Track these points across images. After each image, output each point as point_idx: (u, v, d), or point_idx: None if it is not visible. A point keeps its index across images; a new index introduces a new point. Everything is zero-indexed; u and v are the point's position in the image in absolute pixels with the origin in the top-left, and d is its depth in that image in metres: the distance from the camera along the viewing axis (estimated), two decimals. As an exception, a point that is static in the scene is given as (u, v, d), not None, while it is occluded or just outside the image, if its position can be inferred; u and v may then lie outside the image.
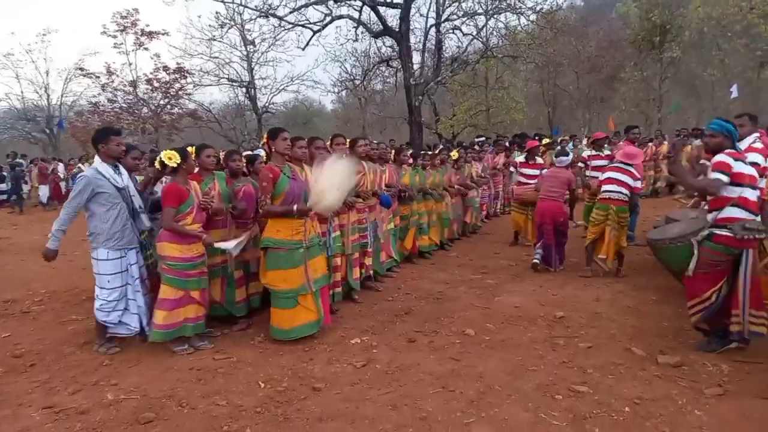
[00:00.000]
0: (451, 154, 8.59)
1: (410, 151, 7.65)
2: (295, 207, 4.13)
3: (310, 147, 4.76)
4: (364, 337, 4.43)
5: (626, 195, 6.01)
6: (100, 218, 4.09)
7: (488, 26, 17.31)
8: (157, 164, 4.28)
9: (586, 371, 3.65)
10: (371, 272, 5.96)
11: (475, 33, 17.68)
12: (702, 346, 3.94)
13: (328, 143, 5.27)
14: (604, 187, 6.10)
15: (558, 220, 6.49)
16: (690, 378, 3.50)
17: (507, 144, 12.04)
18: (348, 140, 5.55)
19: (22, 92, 26.45)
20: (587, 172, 8.06)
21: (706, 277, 3.80)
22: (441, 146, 10.72)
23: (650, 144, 13.09)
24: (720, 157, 3.75)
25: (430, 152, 8.49)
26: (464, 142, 15.95)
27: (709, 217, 3.88)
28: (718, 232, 3.74)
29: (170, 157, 4.07)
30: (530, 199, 7.44)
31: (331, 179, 4.02)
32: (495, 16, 16.93)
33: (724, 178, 3.69)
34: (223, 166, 4.98)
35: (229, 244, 4.26)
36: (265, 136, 4.47)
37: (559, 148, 9.10)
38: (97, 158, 4.19)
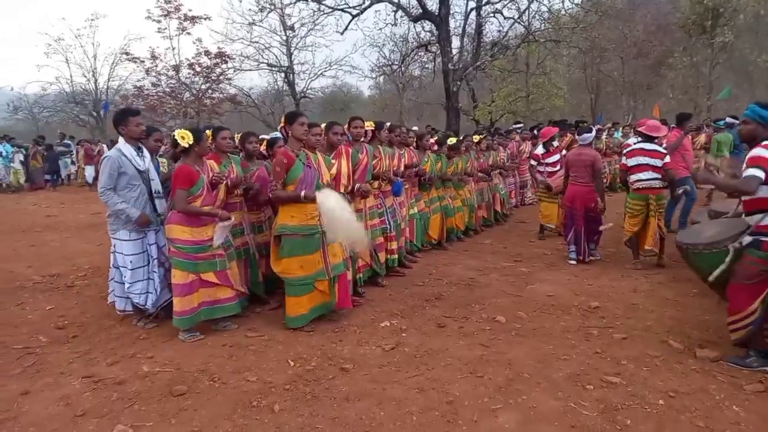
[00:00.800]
0: (474, 137, 8.45)
1: (434, 138, 7.49)
2: (302, 193, 4.07)
3: (328, 133, 4.71)
4: (393, 320, 4.43)
5: (661, 180, 5.76)
6: (122, 199, 4.12)
7: (530, 9, 16.90)
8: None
9: (619, 362, 3.56)
10: (396, 256, 5.92)
11: (516, 16, 17.29)
12: (736, 360, 3.51)
13: (346, 127, 5.20)
14: (638, 176, 5.77)
15: (588, 205, 6.18)
16: (729, 373, 3.36)
17: (535, 132, 11.80)
18: (372, 123, 5.53)
19: (71, 76, 27.38)
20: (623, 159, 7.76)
21: (750, 288, 3.34)
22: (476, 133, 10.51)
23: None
24: (756, 151, 3.30)
25: (470, 138, 8.37)
26: (502, 128, 15.67)
27: (750, 220, 3.44)
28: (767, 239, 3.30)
29: (183, 137, 3.99)
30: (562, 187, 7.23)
31: (340, 221, 4.00)
32: (537, -1, 16.52)
33: (761, 175, 3.23)
34: (239, 149, 4.99)
35: (218, 239, 4.12)
36: (282, 119, 4.41)
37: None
38: (120, 139, 4.24)
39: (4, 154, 16.37)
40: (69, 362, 3.68)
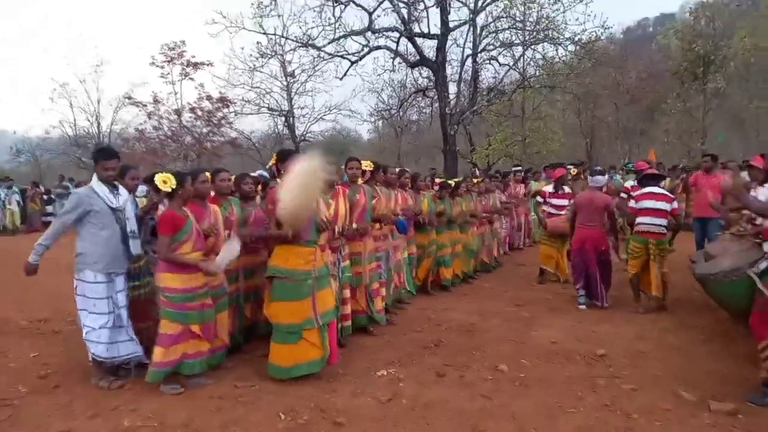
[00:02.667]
0: (474, 180, 8.41)
1: (438, 180, 7.45)
2: (290, 232, 3.83)
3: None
4: (390, 369, 4.23)
5: (663, 226, 5.73)
6: (91, 239, 3.89)
7: (525, 56, 17.23)
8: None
9: (630, 416, 3.36)
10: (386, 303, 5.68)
11: (511, 63, 17.65)
12: (756, 398, 3.48)
13: (343, 167, 5.17)
14: (639, 219, 5.83)
15: (600, 248, 6.07)
16: (747, 428, 3.18)
17: (524, 174, 11.87)
18: (371, 163, 5.47)
19: (74, 120, 27.66)
20: (631, 203, 7.72)
21: None
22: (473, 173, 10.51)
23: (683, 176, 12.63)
24: None
25: (468, 179, 8.32)
26: (500, 170, 15.73)
27: (766, 246, 3.54)
28: None
29: (165, 181, 3.79)
30: (563, 231, 7.14)
31: (295, 181, 3.68)
32: (532, 46, 16.89)
33: None
34: (234, 190, 4.90)
35: (219, 261, 3.91)
36: (274, 157, 4.27)
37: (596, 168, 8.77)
38: (94, 176, 4.02)
39: (2, 196, 16.32)
40: (47, 415, 3.46)
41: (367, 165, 5.37)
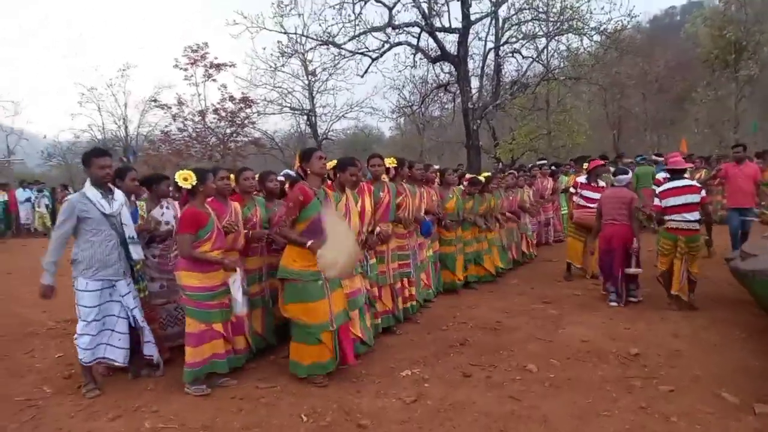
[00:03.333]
0: (480, 177, 8.13)
1: (465, 174, 7.25)
2: (309, 242, 3.76)
3: (344, 173, 4.37)
4: (415, 369, 4.12)
5: (695, 222, 5.48)
6: (83, 245, 3.78)
7: (549, 48, 16.88)
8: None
9: (669, 419, 3.19)
10: (414, 303, 5.54)
11: (535, 55, 17.30)
12: None
13: (365, 164, 5.05)
14: (668, 216, 5.59)
15: (628, 245, 5.86)
16: (797, 432, 2.98)
17: (553, 168, 11.61)
18: (394, 160, 5.33)
19: (102, 124, 28.20)
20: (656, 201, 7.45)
21: None
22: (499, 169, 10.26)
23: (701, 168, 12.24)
24: None
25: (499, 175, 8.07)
26: (526, 165, 15.46)
27: None
28: None
29: (185, 178, 3.78)
30: (590, 224, 6.89)
31: (337, 245, 3.62)
32: (556, 37, 16.52)
33: None
34: (258, 189, 4.84)
35: (236, 292, 3.84)
36: (297, 157, 4.16)
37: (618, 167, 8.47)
38: (87, 182, 3.87)
39: (32, 199, 16.70)
40: (70, 416, 3.46)
41: (390, 162, 5.25)
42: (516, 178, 8.63)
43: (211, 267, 3.81)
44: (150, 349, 4.01)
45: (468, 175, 7.40)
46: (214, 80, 24.55)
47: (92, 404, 3.63)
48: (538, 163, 12.43)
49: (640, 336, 4.80)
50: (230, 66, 24.35)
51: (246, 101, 24.54)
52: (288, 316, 3.97)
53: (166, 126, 25.39)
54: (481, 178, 7.27)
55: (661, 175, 7.71)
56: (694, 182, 5.75)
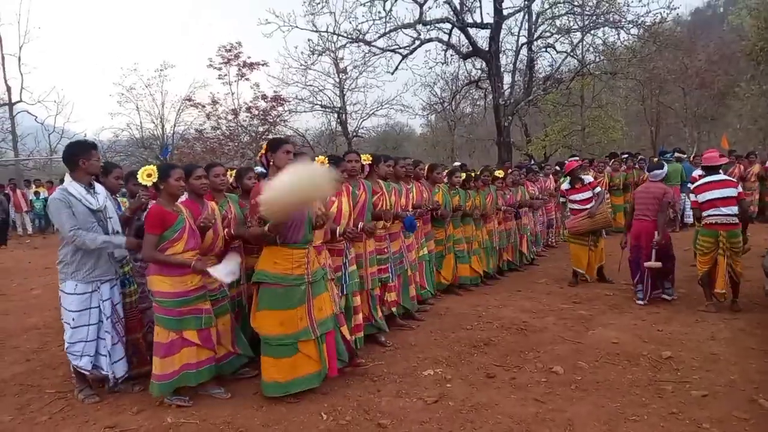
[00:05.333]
0: (496, 173, 7.74)
1: (446, 171, 6.82)
2: (267, 226, 3.37)
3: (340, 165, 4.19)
4: (437, 368, 4.07)
5: (734, 216, 5.26)
6: (72, 245, 3.54)
7: (584, 42, 16.48)
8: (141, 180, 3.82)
9: (700, 425, 3.05)
10: (393, 310, 5.15)
11: (569, 50, 16.93)
12: None
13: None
14: (708, 212, 5.36)
15: (658, 242, 5.67)
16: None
17: (558, 167, 11.23)
18: (369, 157, 5.02)
19: (140, 122, 28.95)
20: (691, 197, 7.15)
21: None
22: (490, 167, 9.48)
23: (737, 164, 11.75)
24: None
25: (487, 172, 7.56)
26: (534, 163, 15.20)
27: None
28: None
29: (149, 174, 3.63)
30: (585, 229, 6.61)
31: (290, 180, 3.18)
32: (592, 31, 16.14)
33: None
34: (235, 186, 4.60)
35: (219, 271, 3.49)
36: (263, 147, 3.78)
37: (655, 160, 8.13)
38: (67, 177, 3.63)
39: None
40: (96, 409, 3.53)
41: (365, 159, 4.94)
42: (517, 176, 8.24)
43: (183, 270, 3.51)
44: (121, 369, 3.74)
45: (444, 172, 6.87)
46: (247, 79, 24.86)
47: (117, 398, 3.70)
48: (570, 159, 12.18)
49: (674, 338, 4.63)
50: (263, 65, 24.62)
51: (278, 100, 24.80)
52: (255, 326, 3.63)
53: (200, 124, 25.91)
54: (472, 174, 7.02)
55: (696, 173, 7.41)
56: (729, 177, 5.54)
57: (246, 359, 4.02)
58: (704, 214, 5.40)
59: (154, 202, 3.78)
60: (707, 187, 5.39)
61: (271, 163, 3.66)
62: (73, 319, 3.55)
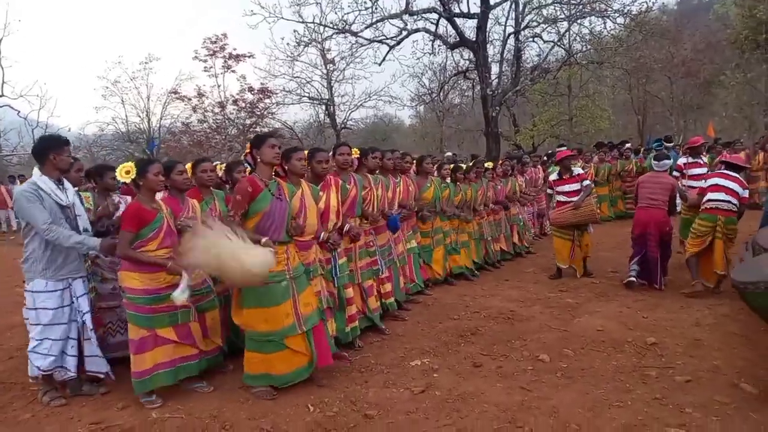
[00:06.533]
0: (486, 164, 7.66)
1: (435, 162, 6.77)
2: (263, 239, 3.35)
3: (311, 162, 4.05)
4: (425, 359, 4.08)
5: (735, 204, 5.35)
6: (39, 241, 3.41)
7: (571, 32, 16.50)
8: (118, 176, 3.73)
9: (683, 410, 3.09)
10: (388, 301, 5.16)
11: (556, 39, 16.95)
12: None
13: (330, 155, 4.62)
14: (710, 195, 5.45)
15: (664, 230, 5.76)
16: (820, 426, 2.85)
17: (545, 157, 11.24)
18: (358, 150, 4.99)
19: (126, 116, 28.61)
20: (683, 182, 7.20)
21: None
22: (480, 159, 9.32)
23: (761, 152, 11.82)
24: None
25: (481, 164, 7.56)
26: (546, 152, 15.21)
27: None
28: None
29: (127, 171, 3.57)
30: (569, 222, 6.45)
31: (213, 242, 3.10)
32: (578, 20, 16.14)
33: None
34: (225, 180, 4.53)
35: (176, 291, 3.32)
36: (248, 144, 3.72)
37: (656, 151, 8.10)
38: (35, 171, 3.49)
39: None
40: (81, 405, 3.49)
41: (354, 153, 4.88)
42: (509, 168, 8.17)
43: (155, 267, 3.46)
44: (97, 365, 3.63)
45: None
46: (233, 71, 24.66)
47: (105, 393, 3.65)
48: (557, 149, 12.22)
49: (659, 325, 4.67)
50: (249, 57, 24.42)
51: (265, 92, 24.62)
52: (239, 323, 3.57)
53: (187, 118, 25.67)
54: (462, 166, 6.98)
55: (681, 161, 7.47)
56: (742, 179, 5.59)
57: (221, 356, 3.98)
58: (707, 197, 5.47)
59: (122, 205, 3.79)
60: (717, 175, 5.54)
61: (258, 159, 3.60)
62: (49, 318, 3.43)
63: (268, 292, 3.45)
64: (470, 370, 3.86)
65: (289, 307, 3.51)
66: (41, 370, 3.45)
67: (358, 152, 5.02)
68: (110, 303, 4.03)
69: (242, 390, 3.61)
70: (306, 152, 3.96)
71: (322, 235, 4.06)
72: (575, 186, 6.49)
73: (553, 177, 6.95)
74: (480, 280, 6.76)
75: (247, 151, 3.71)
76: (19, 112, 23.58)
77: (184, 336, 3.56)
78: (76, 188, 3.90)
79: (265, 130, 25.97)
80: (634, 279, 5.87)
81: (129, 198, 4.15)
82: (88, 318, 3.57)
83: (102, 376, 3.66)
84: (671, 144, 12.31)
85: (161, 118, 28.79)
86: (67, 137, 3.63)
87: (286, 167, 3.79)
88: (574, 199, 6.39)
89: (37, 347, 3.44)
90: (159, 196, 3.80)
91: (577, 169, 6.73)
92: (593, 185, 7.46)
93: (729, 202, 5.35)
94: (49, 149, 3.47)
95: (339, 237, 4.28)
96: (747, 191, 5.54)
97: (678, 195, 6.12)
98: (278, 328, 3.47)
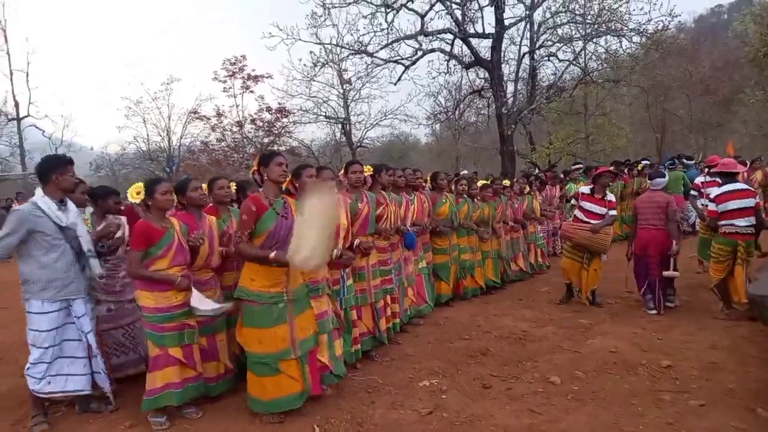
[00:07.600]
0: (504, 181, 7.59)
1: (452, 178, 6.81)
2: (272, 254, 3.33)
3: (318, 178, 3.95)
4: (433, 379, 4.04)
5: (751, 226, 5.24)
6: (37, 262, 3.37)
7: (586, 51, 16.49)
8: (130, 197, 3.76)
9: (696, 436, 3.01)
10: (398, 320, 5.17)
11: (572, 58, 16.94)
12: None
13: (342, 173, 4.72)
14: (729, 221, 5.30)
15: (665, 251, 5.61)
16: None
17: (562, 175, 11.15)
18: (371, 168, 4.98)
19: (147, 135, 29.21)
20: (701, 201, 7.07)
21: None
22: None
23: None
24: None
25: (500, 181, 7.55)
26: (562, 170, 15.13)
27: None
28: None
29: (138, 192, 3.63)
30: (578, 241, 6.09)
31: (313, 222, 3.19)
32: (594, 40, 16.15)
33: None
34: (237, 199, 4.54)
35: (203, 304, 3.45)
36: (255, 162, 3.67)
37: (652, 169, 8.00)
38: (38, 192, 3.46)
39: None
40: (89, 422, 3.53)
41: (367, 170, 4.88)
42: (526, 185, 8.14)
43: (166, 286, 3.47)
44: (102, 381, 3.61)
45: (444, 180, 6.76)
46: (251, 91, 25.13)
47: (115, 411, 3.68)
48: (573, 167, 12.14)
49: (674, 347, 4.57)
50: (267, 77, 24.85)
51: (282, 111, 24.97)
52: (241, 342, 3.54)
53: (206, 137, 26.12)
54: (484, 182, 6.96)
55: (699, 180, 7.36)
56: (748, 186, 5.50)
57: (232, 381, 3.95)
58: (724, 222, 5.34)
59: (125, 224, 3.88)
60: (728, 197, 5.32)
61: (265, 177, 3.58)
62: (41, 340, 3.37)
63: (262, 314, 3.40)
64: (479, 391, 3.81)
65: (285, 330, 3.43)
66: (35, 392, 3.41)
67: (371, 169, 5.02)
68: (105, 326, 4.02)
69: (250, 411, 3.61)
70: (315, 169, 3.94)
71: (334, 253, 3.99)
72: (601, 210, 6.11)
73: (584, 189, 6.49)
74: (493, 298, 6.70)
75: (255, 168, 3.70)
76: (44, 131, 24.22)
77: (187, 356, 3.54)
78: (81, 209, 3.90)
79: (283, 148, 26.30)
80: (654, 312, 5.65)
81: (124, 219, 4.18)
82: (91, 337, 3.55)
83: (106, 391, 3.64)
84: (692, 162, 12.15)
85: (181, 137, 29.33)
86: (71, 157, 3.62)
87: (297, 184, 3.77)
88: (594, 222, 6.06)
89: (31, 370, 3.40)
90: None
91: (611, 196, 6.32)
92: (617, 216, 7.07)
93: (747, 226, 5.23)
94: (53, 169, 3.46)
95: (352, 254, 4.26)
96: (758, 196, 5.41)
97: (696, 214, 5.99)
98: (273, 350, 3.40)
